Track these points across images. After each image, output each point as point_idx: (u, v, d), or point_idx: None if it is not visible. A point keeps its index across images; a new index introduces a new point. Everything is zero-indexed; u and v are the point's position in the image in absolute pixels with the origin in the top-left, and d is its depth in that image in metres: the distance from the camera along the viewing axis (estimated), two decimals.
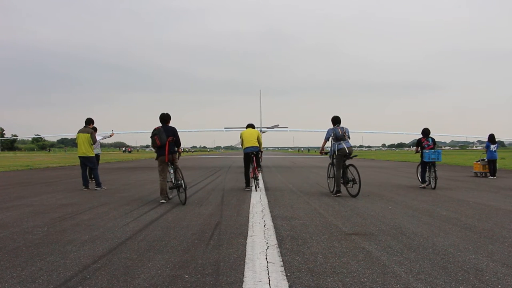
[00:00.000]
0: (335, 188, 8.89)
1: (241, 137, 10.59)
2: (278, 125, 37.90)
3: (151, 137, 8.00)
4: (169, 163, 8.00)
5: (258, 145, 10.37)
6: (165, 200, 7.91)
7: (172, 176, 7.94)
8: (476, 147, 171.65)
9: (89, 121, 11.06)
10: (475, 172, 15.88)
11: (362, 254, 4.09)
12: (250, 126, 10.94)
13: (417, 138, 11.74)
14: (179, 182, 7.73)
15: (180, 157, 8.24)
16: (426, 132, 11.33)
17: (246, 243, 4.56)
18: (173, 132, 8.04)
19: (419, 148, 11.36)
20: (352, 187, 8.81)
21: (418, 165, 11.68)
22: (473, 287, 3.18)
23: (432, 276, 3.42)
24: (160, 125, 8.13)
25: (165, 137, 7.84)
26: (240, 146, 10.96)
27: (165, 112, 8.18)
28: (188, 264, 3.76)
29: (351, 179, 8.83)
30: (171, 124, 8.32)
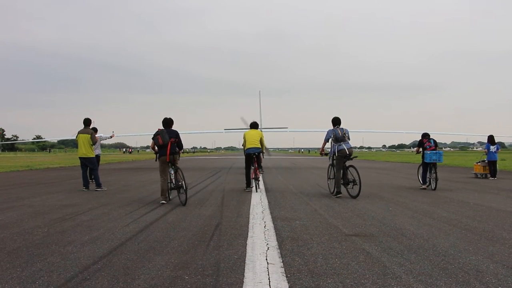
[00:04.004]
0: (335, 189, 8.90)
1: (244, 137, 10.62)
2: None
3: (152, 138, 8.05)
4: (170, 164, 8.02)
5: (260, 146, 10.37)
6: (165, 201, 7.92)
7: (172, 177, 7.96)
8: (476, 148, 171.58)
9: (88, 122, 11.04)
10: (475, 173, 15.88)
11: (362, 255, 4.09)
12: (253, 125, 10.92)
13: (417, 138, 11.75)
14: (180, 183, 7.75)
15: (180, 157, 8.27)
16: (426, 135, 11.37)
17: (246, 244, 4.56)
18: (175, 135, 8.12)
19: (420, 149, 11.38)
20: (353, 188, 8.81)
21: (419, 166, 11.69)
22: None
23: (432, 277, 3.42)
24: (163, 128, 8.22)
25: (168, 138, 7.90)
26: (242, 146, 10.96)
27: (168, 117, 8.32)
28: (188, 265, 3.76)
29: (351, 180, 8.83)
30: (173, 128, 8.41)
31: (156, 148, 8.07)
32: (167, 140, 7.86)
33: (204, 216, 6.46)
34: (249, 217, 6.30)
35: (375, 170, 21.12)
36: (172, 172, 7.99)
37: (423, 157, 11.14)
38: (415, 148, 12.01)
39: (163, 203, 7.81)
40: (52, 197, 9.09)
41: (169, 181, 8.01)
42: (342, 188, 9.07)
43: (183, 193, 7.65)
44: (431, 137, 11.36)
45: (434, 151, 10.88)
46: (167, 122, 8.26)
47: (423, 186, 10.92)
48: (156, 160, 8.21)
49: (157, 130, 8.04)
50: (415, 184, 11.89)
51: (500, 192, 10.27)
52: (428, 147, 11.08)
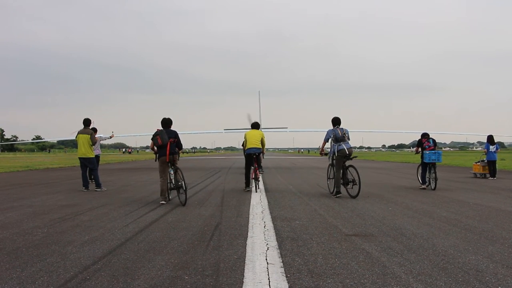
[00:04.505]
0: (335, 189, 8.90)
1: (245, 137, 10.62)
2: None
3: (152, 138, 8.06)
4: (169, 164, 8.02)
5: (260, 146, 10.37)
6: (165, 201, 7.92)
7: (172, 177, 7.97)
8: (476, 148, 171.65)
9: (87, 122, 11.04)
10: (474, 173, 15.89)
11: (362, 255, 4.09)
12: (255, 125, 10.92)
13: (416, 138, 11.75)
14: (180, 183, 7.76)
15: (179, 157, 8.28)
16: (425, 135, 11.37)
17: (246, 244, 4.56)
18: (174, 135, 8.12)
19: (419, 149, 11.38)
20: (352, 188, 8.81)
21: (419, 166, 11.69)
22: None
23: (432, 277, 3.42)
24: (162, 128, 8.23)
25: (167, 138, 7.91)
26: (242, 146, 10.96)
27: (166, 117, 8.32)
28: (188, 265, 3.76)
29: (351, 180, 8.83)
30: (172, 128, 8.43)
31: (155, 148, 8.07)
32: (166, 140, 7.87)
33: (204, 216, 6.46)
34: (249, 217, 6.30)
35: (375, 170, 21.13)
36: (172, 172, 8.00)
37: (422, 157, 11.15)
38: (415, 148, 12.02)
39: (162, 203, 7.81)
40: (51, 198, 9.08)
41: (168, 181, 8.02)
42: (342, 188, 9.07)
43: (182, 193, 7.66)
44: (430, 136, 11.37)
45: (433, 151, 10.88)
46: (166, 122, 8.26)
47: (423, 186, 10.92)
48: (156, 161, 8.21)
49: (156, 130, 8.06)
50: (415, 184, 11.89)
51: (500, 192, 10.27)
52: (427, 147, 11.07)
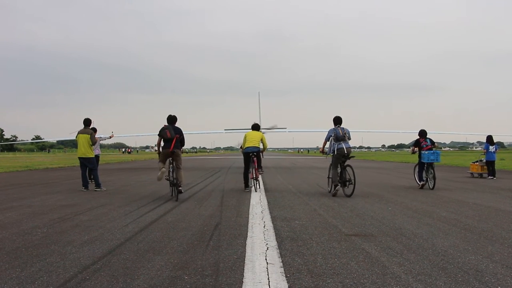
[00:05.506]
0: (332, 185, 9.05)
1: (244, 138, 10.60)
2: (276, 125, 37.78)
3: (160, 131, 8.64)
4: (171, 160, 8.61)
5: (259, 146, 10.38)
6: (165, 168, 8.65)
7: (171, 174, 8.57)
8: (476, 148, 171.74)
9: (88, 122, 11.04)
10: (471, 173, 15.89)
11: (362, 255, 4.09)
12: (255, 126, 10.91)
13: (416, 138, 11.69)
14: (174, 180, 8.36)
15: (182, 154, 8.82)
16: (423, 133, 11.32)
17: (245, 244, 4.55)
18: (179, 132, 8.72)
19: (416, 149, 11.34)
20: (348, 187, 8.88)
21: (415, 166, 11.68)
22: None
23: (432, 277, 3.42)
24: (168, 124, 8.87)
25: (174, 133, 8.55)
26: (241, 148, 10.94)
27: (172, 114, 8.91)
28: (188, 265, 3.76)
29: (348, 179, 8.89)
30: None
31: (162, 143, 8.69)
32: (173, 135, 8.50)
33: (203, 216, 6.46)
34: (249, 217, 6.30)
35: (375, 170, 21.14)
36: (171, 169, 8.58)
37: (419, 156, 11.12)
38: (411, 148, 11.99)
39: (163, 170, 8.62)
40: (51, 198, 9.08)
41: (171, 178, 8.57)
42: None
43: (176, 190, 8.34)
44: (429, 136, 11.35)
45: (432, 151, 10.85)
46: (172, 119, 8.79)
47: (421, 183, 10.87)
48: (159, 153, 8.82)
49: (164, 126, 8.65)
50: (414, 184, 11.88)
51: (499, 191, 10.28)
52: (424, 146, 11.03)
